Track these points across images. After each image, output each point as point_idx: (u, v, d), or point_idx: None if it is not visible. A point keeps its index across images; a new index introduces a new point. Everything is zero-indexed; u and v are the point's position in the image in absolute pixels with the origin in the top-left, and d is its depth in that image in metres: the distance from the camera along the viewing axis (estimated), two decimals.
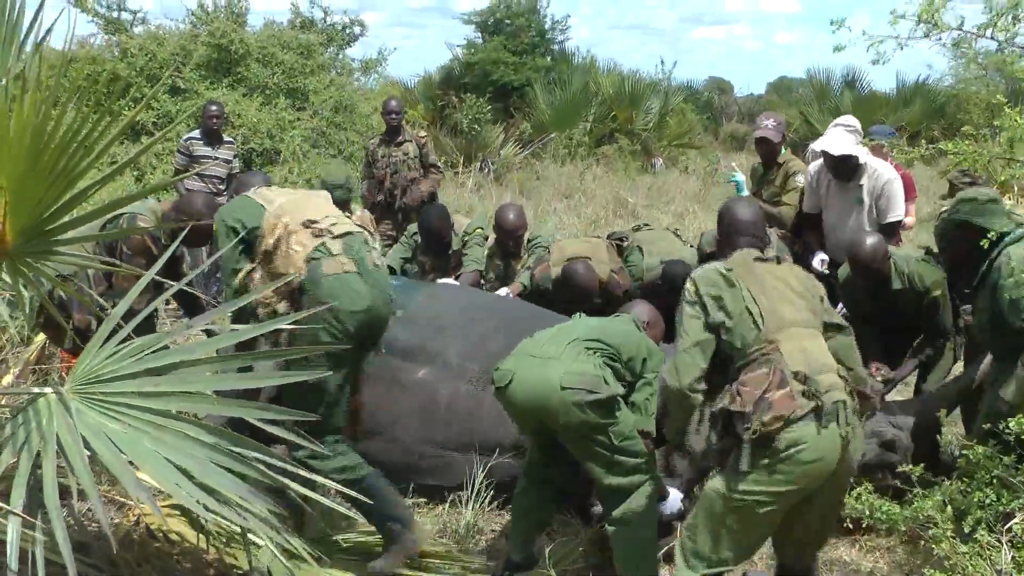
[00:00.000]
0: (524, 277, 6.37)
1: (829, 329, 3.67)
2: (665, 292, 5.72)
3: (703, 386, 3.59)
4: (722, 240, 3.86)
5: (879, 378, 5.11)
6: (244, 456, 3.07)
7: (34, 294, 3.78)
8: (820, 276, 5.75)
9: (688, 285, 3.65)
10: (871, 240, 5.27)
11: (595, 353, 3.99)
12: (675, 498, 4.29)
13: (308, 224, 4.08)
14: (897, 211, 5.91)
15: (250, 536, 3.45)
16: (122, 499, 3.96)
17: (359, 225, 4.23)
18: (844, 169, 5.90)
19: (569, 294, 5.93)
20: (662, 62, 22.47)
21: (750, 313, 3.54)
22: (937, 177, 10.60)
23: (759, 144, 6.61)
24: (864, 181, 5.89)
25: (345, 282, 3.98)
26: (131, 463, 2.89)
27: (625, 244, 6.39)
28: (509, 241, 6.67)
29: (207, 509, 2.91)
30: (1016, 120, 3.97)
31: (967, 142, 4.16)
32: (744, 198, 4.01)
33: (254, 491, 3.07)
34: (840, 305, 5.46)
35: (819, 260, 5.93)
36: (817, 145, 6.12)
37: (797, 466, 3.37)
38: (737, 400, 3.43)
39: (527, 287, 6.29)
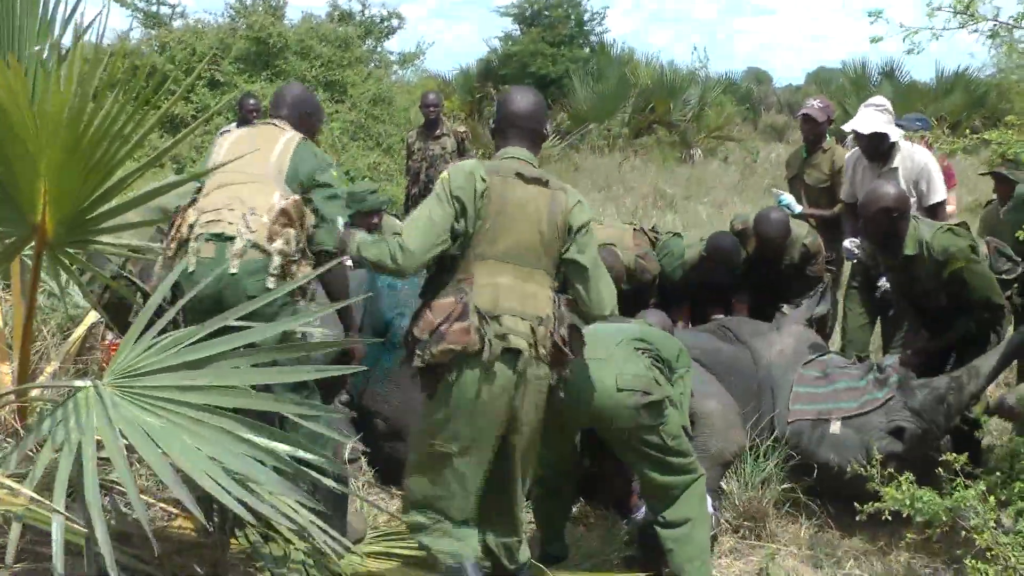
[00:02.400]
0: None
1: (569, 267, 3.52)
2: (711, 268, 5.96)
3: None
4: (496, 129, 3.68)
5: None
6: (279, 452, 3.06)
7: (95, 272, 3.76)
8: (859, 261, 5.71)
9: (444, 175, 3.46)
10: (884, 188, 5.01)
11: (643, 354, 3.93)
12: (708, 500, 4.26)
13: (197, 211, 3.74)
14: (939, 193, 5.77)
15: (287, 532, 3.45)
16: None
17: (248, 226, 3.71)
18: (876, 149, 5.81)
19: None
20: (695, 49, 22.00)
21: (472, 232, 3.39)
22: (979, 166, 10.39)
23: (803, 123, 6.74)
24: (898, 164, 5.78)
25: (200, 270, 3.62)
26: (168, 457, 2.87)
27: (660, 236, 6.41)
28: None
29: (244, 505, 2.86)
30: None
31: (1012, 132, 4.10)
32: (527, 88, 3.86)
33: (292, 487, 3.05)
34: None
35: (849, 241, 5.77)
36: (847, 126, 6.02)
37: (460, 405, 3.31)
38: (418, 325, 3.36)
39: None
